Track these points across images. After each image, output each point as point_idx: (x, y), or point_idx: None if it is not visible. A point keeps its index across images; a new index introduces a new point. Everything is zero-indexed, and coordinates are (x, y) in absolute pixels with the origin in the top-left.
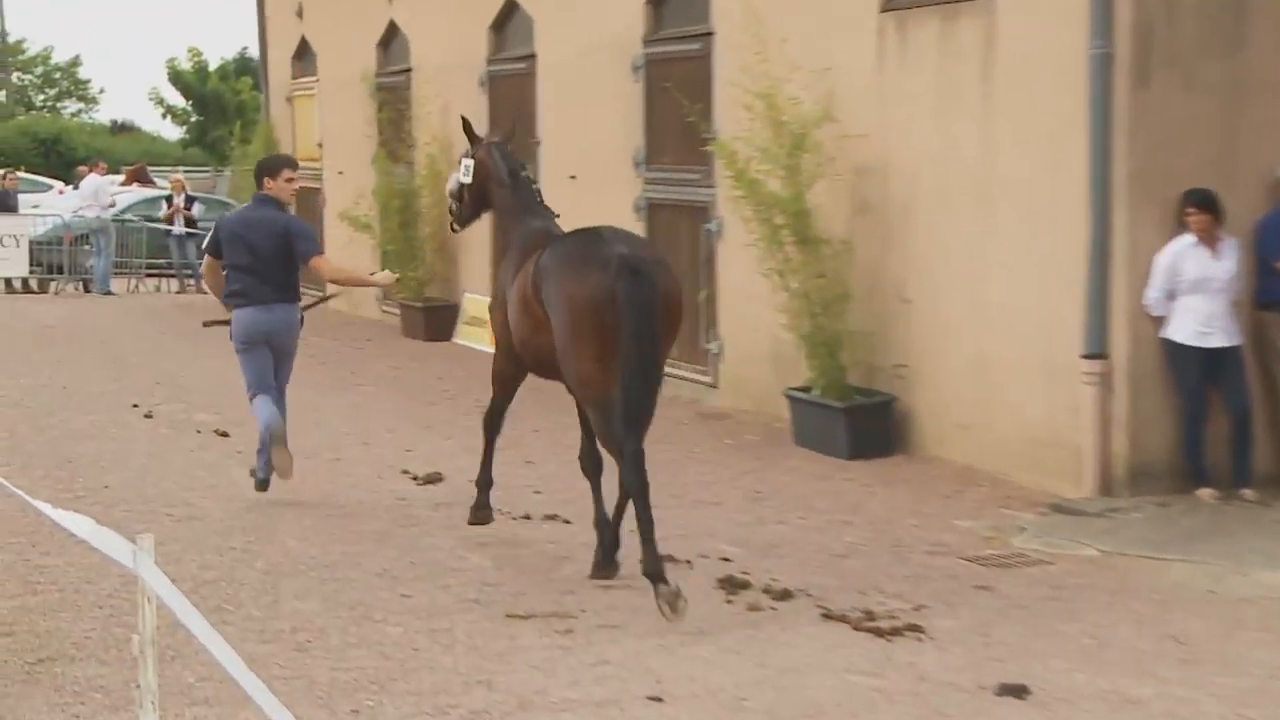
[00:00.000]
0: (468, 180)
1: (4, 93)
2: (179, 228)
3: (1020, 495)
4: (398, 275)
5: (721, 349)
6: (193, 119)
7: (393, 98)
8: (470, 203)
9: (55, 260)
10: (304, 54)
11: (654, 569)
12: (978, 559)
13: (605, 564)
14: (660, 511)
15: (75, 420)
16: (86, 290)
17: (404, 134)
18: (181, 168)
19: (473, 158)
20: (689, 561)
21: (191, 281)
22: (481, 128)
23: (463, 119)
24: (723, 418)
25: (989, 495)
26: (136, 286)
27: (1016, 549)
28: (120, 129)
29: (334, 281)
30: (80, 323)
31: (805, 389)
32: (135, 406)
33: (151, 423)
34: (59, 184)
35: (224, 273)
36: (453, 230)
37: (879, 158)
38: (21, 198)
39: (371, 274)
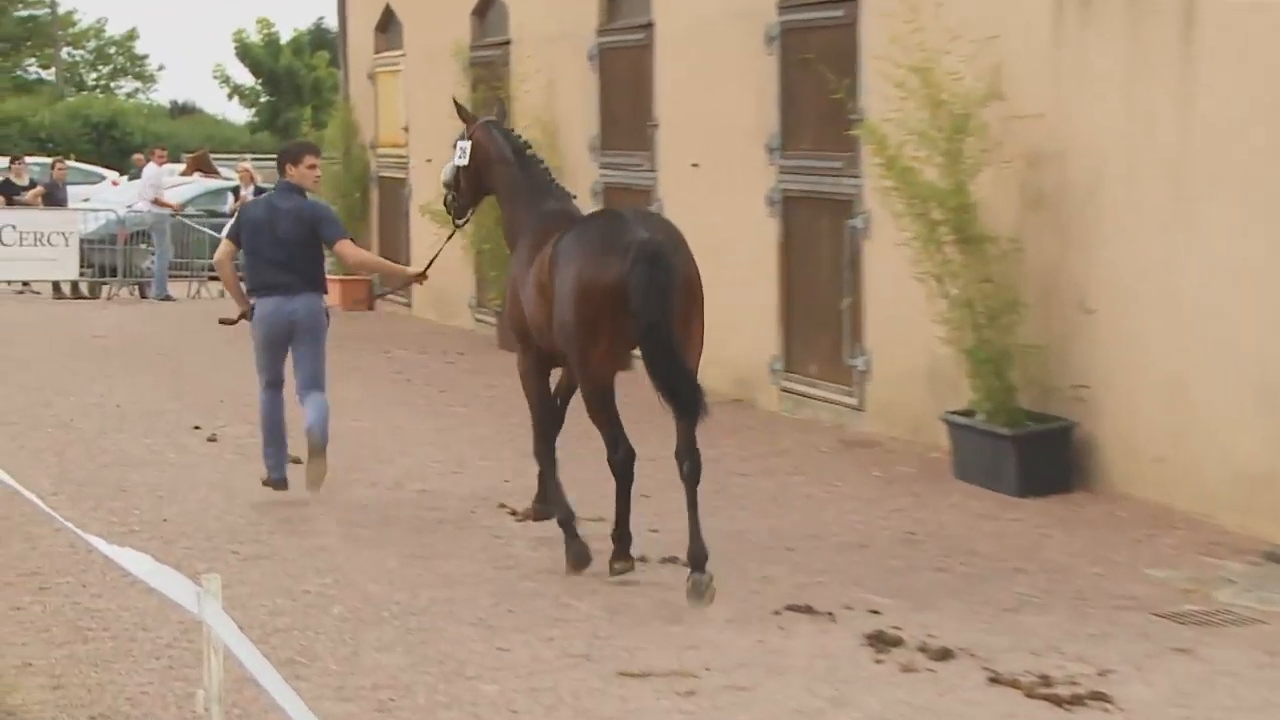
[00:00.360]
0: (464, 163)
1: (53, 71)
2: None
3: (1226, 541)
4: (424, 271)
5: (868, 366)
6: (262, 99)
7: (489, 74)
8: (468, 189)
9: (108, 261)
10: (388, 25)
11: (623, 546)
12: (1175, 616)
13: (619, 554)
14: (797, 555)
15: (130, 444)
16: (143, 295)
17: (505, 119)
18: (250, 155)
19: (469, 139)
20: (830, 613)
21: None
22: (591, 110)
23: (454, 100)
24: (870, 446)
25: (1188, 540)
26: (199, 291)
27: (1222, 604)
28: (181, 111)
29: (359, 267)
30: (136, 332)
31: (967, 413)
32: (197, 429)
33: (215, 447)
34: (112, 174)
35: (238, 264)
36: (455, 225)
37: (1055, 141)
38: (71, 190)
39: (410, 267)
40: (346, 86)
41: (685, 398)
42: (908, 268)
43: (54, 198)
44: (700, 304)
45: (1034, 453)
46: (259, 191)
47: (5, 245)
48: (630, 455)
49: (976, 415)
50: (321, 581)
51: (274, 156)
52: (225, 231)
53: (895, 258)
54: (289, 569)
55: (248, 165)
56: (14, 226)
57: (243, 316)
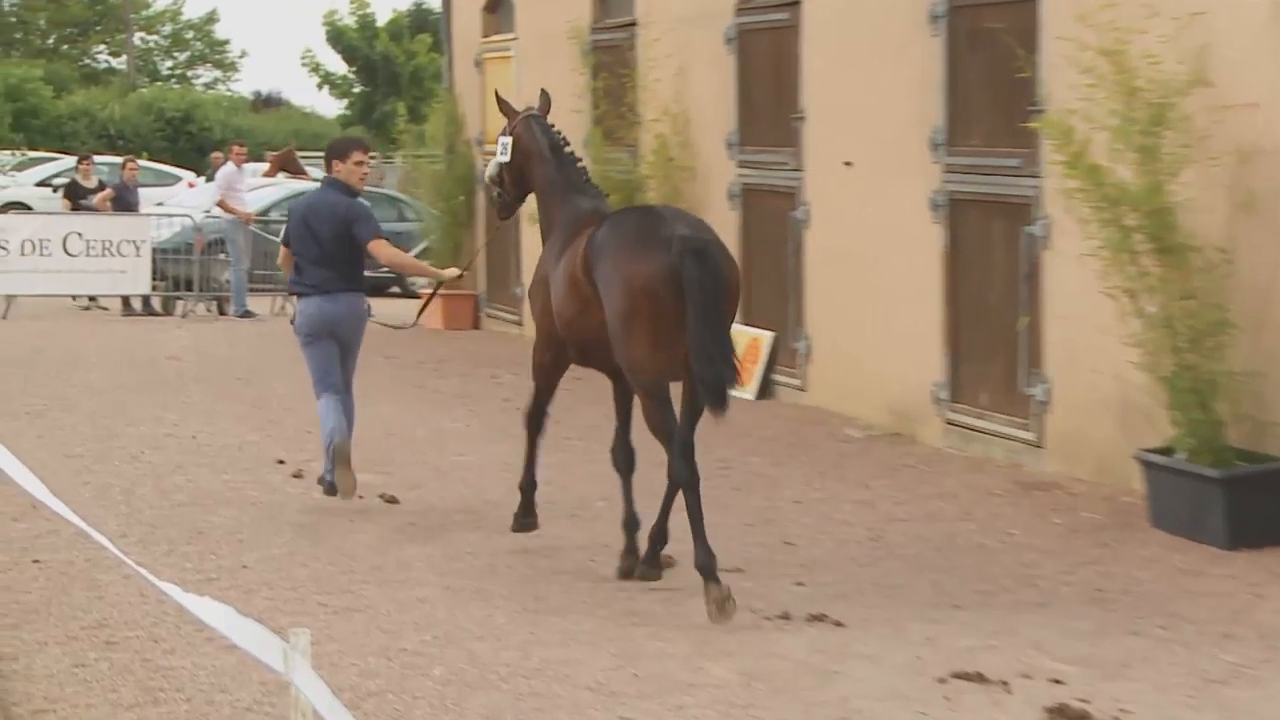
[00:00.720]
0: (506, 159)
1: (124, 59)
2: None
3: None
4: (462, 272)
5: (1048, 395)
6: (356, 90)
7: (612, 60)
8: (512, 186)
9: (183, 273)
10: (498, 4)
11: (706, 564)
12: None
13: (649, 560)
14: (966, 614)
15: (207, 480)
16: (221, 312)
17: (626, 108)
18: None
19: (510, 134)
20: (1005, 683)
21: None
22: (728, 98)
23: (496, 94)
24: (1050, 488)
25: None
26: (283, 307)
27: None
28: (265, 103)
29: (391, 267)
30: (213, 354)
31: (1166, 451)
32: (281, 463)
33: (302, 485)
34: (188, 175)
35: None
36: (500, 218)
37: (1272, 134)
38: (142, 193)
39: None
40: (450, 75)
41: (720, 391)
42: (1095, 282)
43: (124, 201)
44: (735, 307)
45: (1245, 497)
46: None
47: (70, 255)
48: (689, 455)
49: (1176, 454)
50: (420, 639)
51: (369, 155)
52: (281, 236)
53: (1080, 270)
54: (384, 624)
55: None
56: (80, 234)
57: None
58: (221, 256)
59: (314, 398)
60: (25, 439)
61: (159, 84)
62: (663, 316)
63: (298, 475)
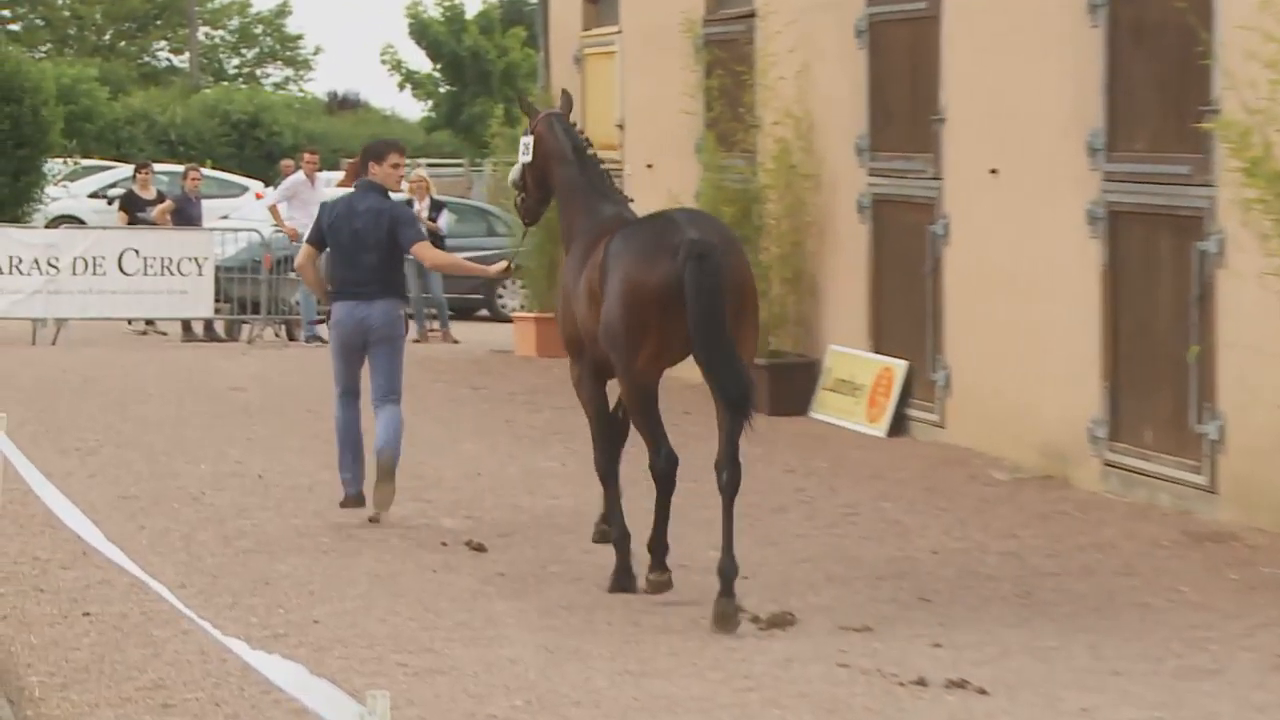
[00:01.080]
0: (528, 159)
1: (186, 57)
2: None
3: None
4: (509, 266)
5: (1222, 434)
6: (441, 89)
7: (728, 56)
8: (534, 188)
9: (250, 294)
10: None
11: (659, 556)
12: None
13: (657, 567)
14: (1126, 681)
15: (274, 525)
16: (290, 337)
17: (743, 109)
18: (424, 161)
19: (532, 133)
20: None
21: (437, 326)
22: (858, 98)
23: (518, 95)
24: (1225, 539)
25: None
26: None
27: None
28: (341, 105)
29: (436, 269)
30: (281, 384)
31: None
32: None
33: (379, 531)
34: (256, 185)
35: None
36: (525, 224)
37: None
38: (206, 205)
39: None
40: (547, 73)
41: (736, 394)
42: (1277, 305)
43: (185, 214)
44: (753, 307)
45: None
46: (436, 206)
47: (126, 275)
48: (673, 461)
49: None
50: (511, 704)
51: (456, 162)
52: (307, 235)
53: (1260, 292)
54: (470, 686)
55: (422, 173)
56: (137, 251)
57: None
58: (291, 275)
59: (429, 455)
60: (76, 478)
61: (224, 84)
62: (667, 325)
63: (374, 520)
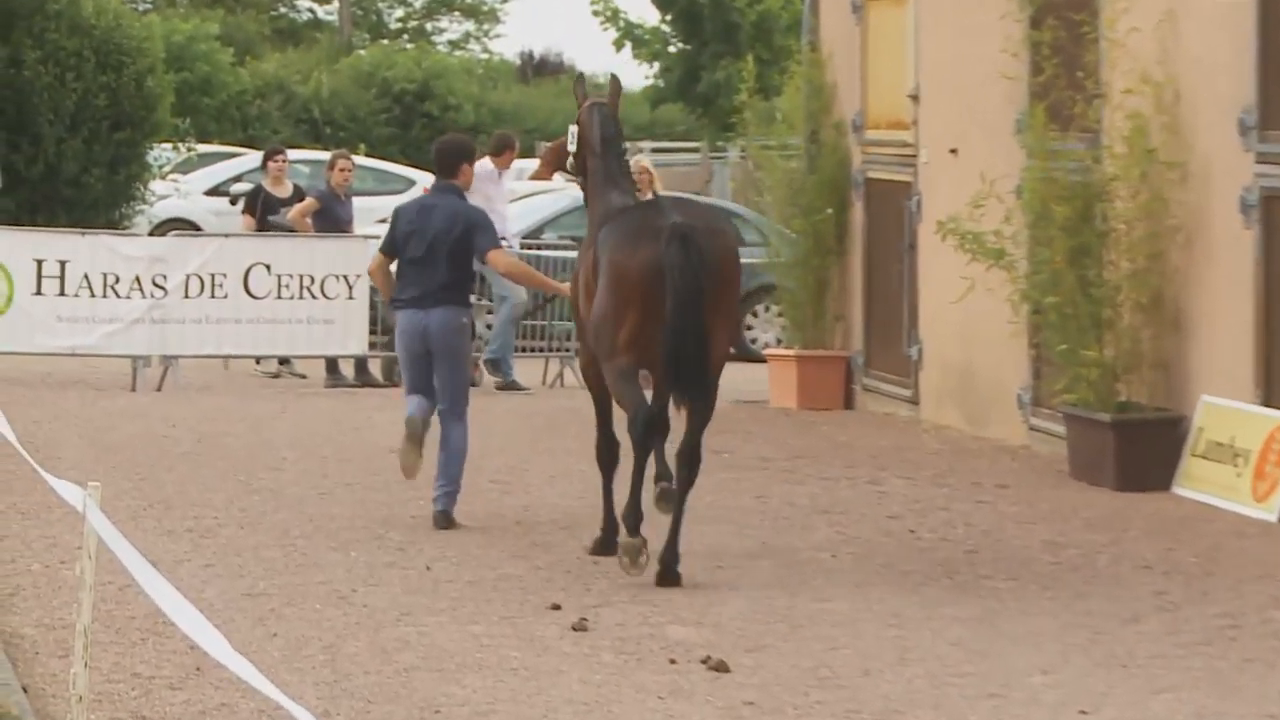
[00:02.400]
0: (573, 148)
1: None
2: None
3: None
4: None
5: None
6: (673, 49)
7: (1063, 2)
8: (582, 175)
9: None
10: None
11: (633, 522)
12: None
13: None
14: None
15: (446, 633)
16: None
17: (1083, 74)
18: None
19: (578, 122)
20: None
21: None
22: (1243, 59)
23: (575, 78)
24: None
25: None
26: (560, 376)
27: None
28: (537, 70)
29: (511, 277)
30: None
31: None
32: (556, 609)
33: (586, 640)
34: (424, 177)
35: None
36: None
37: None
38: (359, 204)
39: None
40: (815, 25)
41: (693, 383)
42: None
43: (331, 217)
44: (733, 293)
45: None
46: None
47: (254, 298)
48: (650, 420)
49: None
50: None
51: (690, 145)
52: (381, 243)
53: None
54: None
55: (644, 161)
56: (268, 267)
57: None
58: (473, 299)
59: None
60: (189, 568)
61: (384, 44)
62: (649, 306)
63: (580, 627)
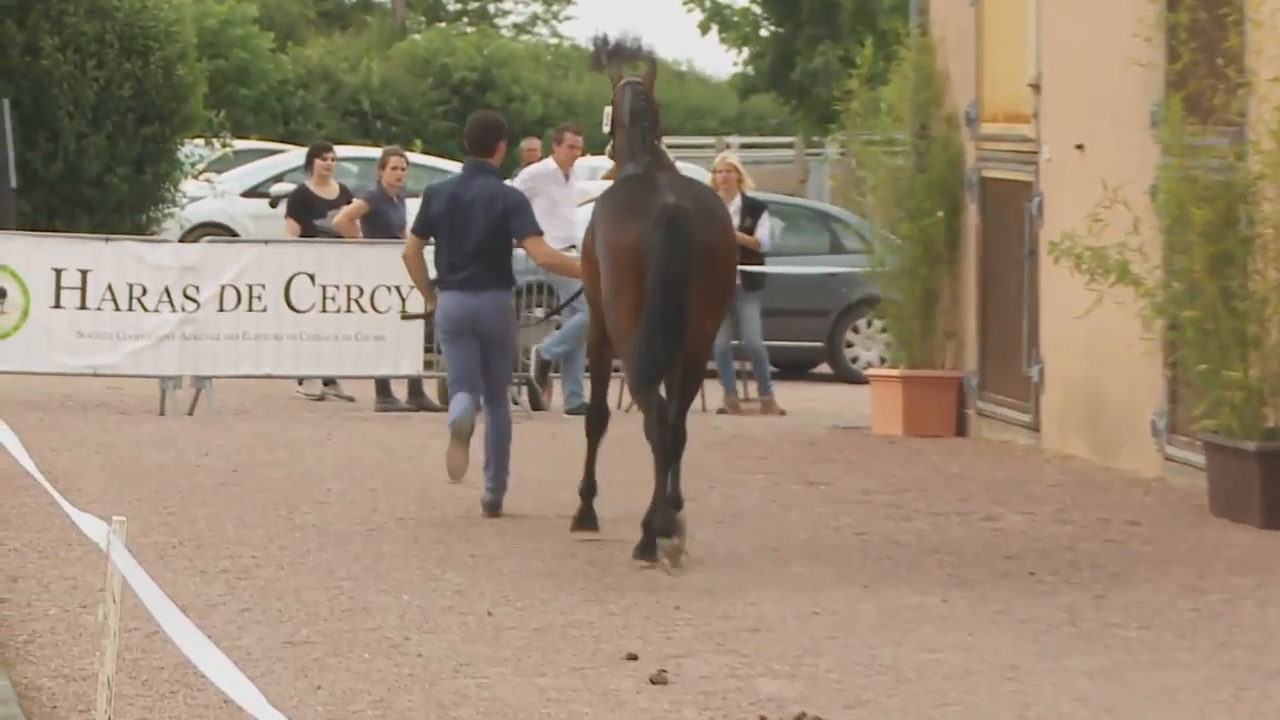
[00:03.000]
0: (607, 129)
1: None
2: None
3: None
4: None
5: None
6: (765, 32)
7: None
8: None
9: None
10: None
11: (664, 527)
12: None
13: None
14: None
15: (510, 686)
16: (535, 405)
17: (1224, 63)
18: (734, 139)
19: (611, 104)
20: None
21: (762, 396)
22: None
23: (601, 53)
24: None
25: None
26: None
27: None
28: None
29: (549, 268)
30: (524, 476)
31: None
32: (633, 659)
33: (665, 695)
34: None
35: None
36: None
37: None
38: (413, 205)
39: None
40: (925, 7)
41: (660, 363)
42: None
43: (382, 221)
44: (726, 276)
45: None
46: (753, 209)
47: (296, 311)
48: (665, 422)
49: None
50: None
51: (783, 141)
52: (412, 224)
53: None
54: None
55: (730, 158)
56: (312, 277)
57: (430, 315)
58: (537, 313)
59: (736, 593)
60: (223, 612)
61: (442, 28)
62: (636, 286)
63: (659, 680)
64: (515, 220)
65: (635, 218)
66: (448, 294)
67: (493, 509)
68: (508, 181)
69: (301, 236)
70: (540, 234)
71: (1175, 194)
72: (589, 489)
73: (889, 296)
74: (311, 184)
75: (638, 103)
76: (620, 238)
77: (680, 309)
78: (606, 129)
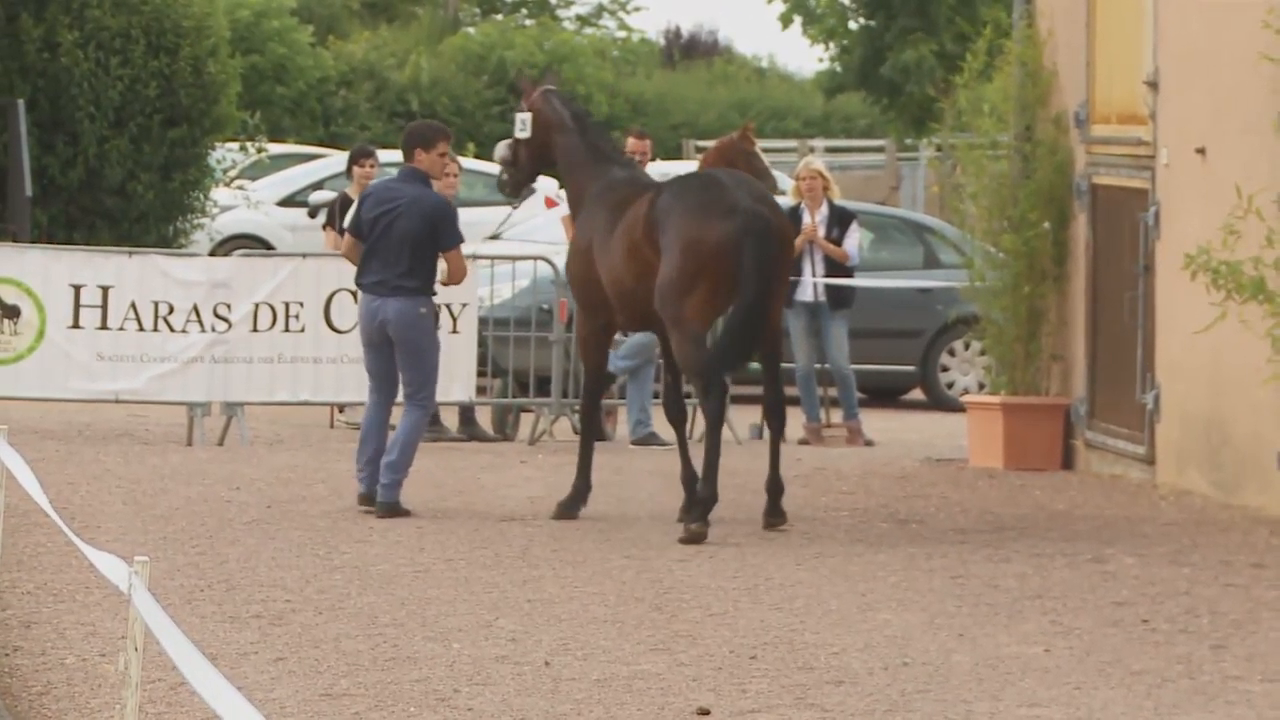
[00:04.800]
0: (525, 134)
1: None
2: (808, 279)
3: None
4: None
5: None
6: (854, 25)
7: None
8: (529, 162)
9: (536, 364)
10: None
11: (708, 496)
12: None
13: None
14: None
15: None
16: (599, 435)
17: None
18: (819, 142)
19: (529, 109)
20: None
21: (847, 423)
22: None
23: (519, 70)
24: None
25: None
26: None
27: None
28: (687, 52)
29: (454, 281)
30: (586, 513)
31: None
32: (704, 715)
33: None
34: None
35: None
36: (512, 207)
37: None
38: (467, 216)
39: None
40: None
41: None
42: None
43: (442, 240)
44: (791, 258)
45: None
46: (841, 218)
47: (337, 331)
48: (723, 396)
49: None
50: None
51: (874, 144)
52: (348, 223)
53: None
54: None
55: (815, 164)
56: (354, 294)
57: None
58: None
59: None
60: (256, 660)
61: (498, 20)
62: (723, 279)
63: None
64: (444, 231)
65: (719, 217)
66: (362, 296)
67: (368, 500)
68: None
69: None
70: (461, 247)
71: None
72: (584, 486)
73: (989, 316)
74: (352, 192)
75: (577, 106)
76: (705, 234)
77: (765, 310)
78: (525, 134)
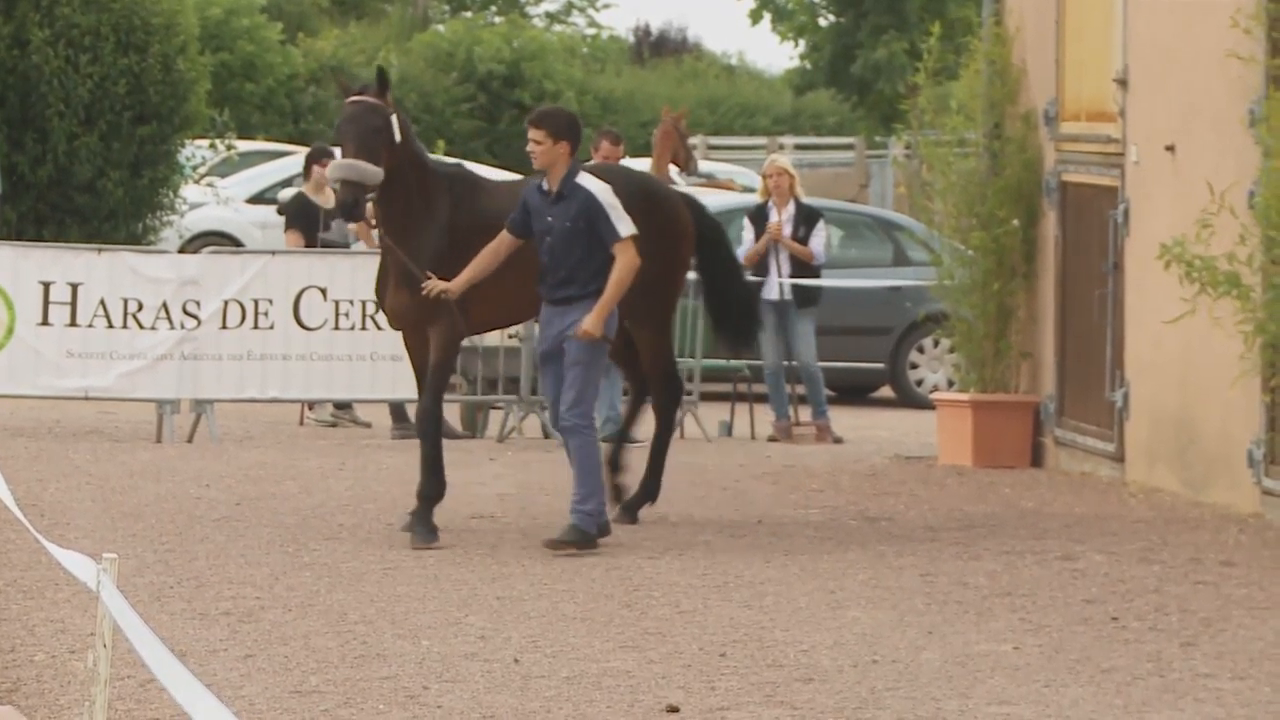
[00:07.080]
0: (400, 140)
1: None
2: (774, 278)
3: None
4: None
5: None
6: (823, 21)
7: None
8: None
9: (505, 365)
10: None
11: (652, 492)
12: None
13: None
14: None
15: None
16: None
17: None
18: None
19: (393, 112)
20: None
21: (816, 421)
22: None
23: (335, 71)
24: None
25: None
26: (680, 425)
27: None
28: (655, 51)
29: None
30: (554, 510)
31: None
32: (673, 711)
33: None
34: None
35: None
36: (349, 222)
37: None
38: None
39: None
40: None
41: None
42: None
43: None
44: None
45: None
46: (808, 217)
47: (306, 328)
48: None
49: None
50: None
51: (842, 142)
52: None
53: None
54: None
55: (781, 161)
56: (323, 292)
57: None
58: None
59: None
60: (225, 659)
61: (467, 18)
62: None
63: None
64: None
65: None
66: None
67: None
68: None
69: (307, 247)
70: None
71: (1277, 200)
72: (439, 486)
73: (958, 313)
74: (311, 192)
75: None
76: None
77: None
78: (399, 140)
